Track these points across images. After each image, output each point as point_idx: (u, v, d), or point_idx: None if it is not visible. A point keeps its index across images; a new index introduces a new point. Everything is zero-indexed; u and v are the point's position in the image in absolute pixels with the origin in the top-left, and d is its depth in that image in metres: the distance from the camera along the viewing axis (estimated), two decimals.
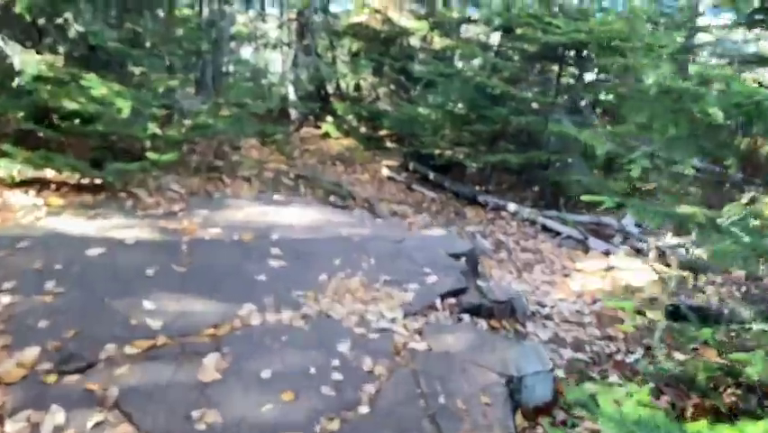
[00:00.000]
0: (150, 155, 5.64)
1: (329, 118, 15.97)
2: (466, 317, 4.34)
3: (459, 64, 15.30)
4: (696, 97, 3.37)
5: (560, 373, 3.99)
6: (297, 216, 5.75)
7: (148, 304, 3.84)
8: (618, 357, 4.45)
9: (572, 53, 10.65)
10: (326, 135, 15.74)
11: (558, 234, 9.30)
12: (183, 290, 4.07)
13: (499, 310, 4.61)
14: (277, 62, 19.25)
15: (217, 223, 5.27)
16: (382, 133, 15.63)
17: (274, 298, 4.10)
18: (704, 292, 5.91)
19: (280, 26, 18.43)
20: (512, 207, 10.22)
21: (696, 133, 3.26)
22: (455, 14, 14.42)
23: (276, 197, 6.63)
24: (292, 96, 15.68)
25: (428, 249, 5.15)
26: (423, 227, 6.79)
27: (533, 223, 9.71)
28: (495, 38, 13.13)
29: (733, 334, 3.96)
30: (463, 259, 5.11)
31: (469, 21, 12.86)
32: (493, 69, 11.08)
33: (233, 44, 16.23)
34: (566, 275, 6.85)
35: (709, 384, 3.44)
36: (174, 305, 3.88)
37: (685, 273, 6.65)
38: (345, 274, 4.56)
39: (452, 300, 4.40)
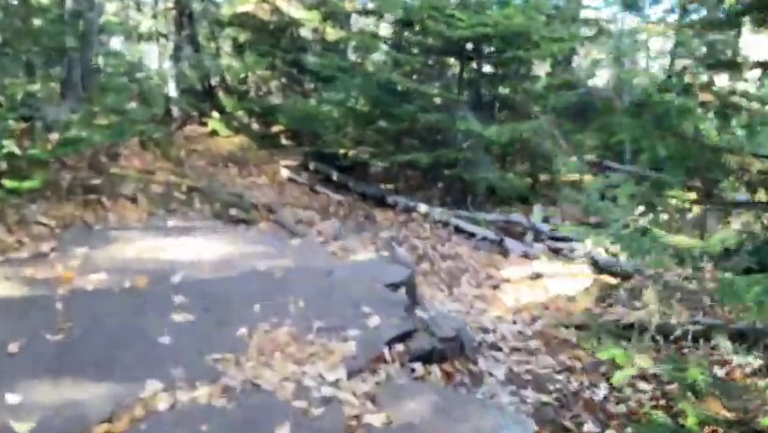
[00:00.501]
0: (7, 182, 4.47)
1: (215, 114, 14.75)
2: (418, 366, 3.66)
3: (352, 57, 14.58)
4: (682, 111, 2.89)
5: (532, 427, 3.42)
6: (201, 248, 4.81)
7: (11, 397, 2.83)
8: (585, 394, 3.97)
9: (474, 47, 10.25)
10: (214, 133, 14.50)
11: (472, 235, 8.89)
12: (61, 369, 3.08)
13: (450, 349, 3.98)
14: (152, 55, 17.56)
15: (101, 265, 4.23)
16: (276, 129, 14.63)
17: (184, 368, 3.21)
18: (638, 300, 5.63)
19: (155, 16, 16.82)
20: (423, 207, 9.70)
21: (687, 154, 2.77)
22: (348, 5, 13.63)
23: (171, 222, 5.61)
24: (173, 92, 14.28)
25: (362, 280, 4.42)
26: (344, 249, 6.02)
27: (446, 224, 9.23)
28: (387, 30, 12.55)
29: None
30: (402, 289, 4.42)
31: (363, 12, 12.09)
32: (395, 63, 10.44)
33: (102, 37, 14.53)
34: (495, 286, 6.39)
35: None
36: (49, 394, 2.90)
37: (613, 279, 6.39)
38: (270, 324, 3.73)
39: (401, 347, 3.70)
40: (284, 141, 14.32)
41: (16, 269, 4.00)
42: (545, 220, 9.88)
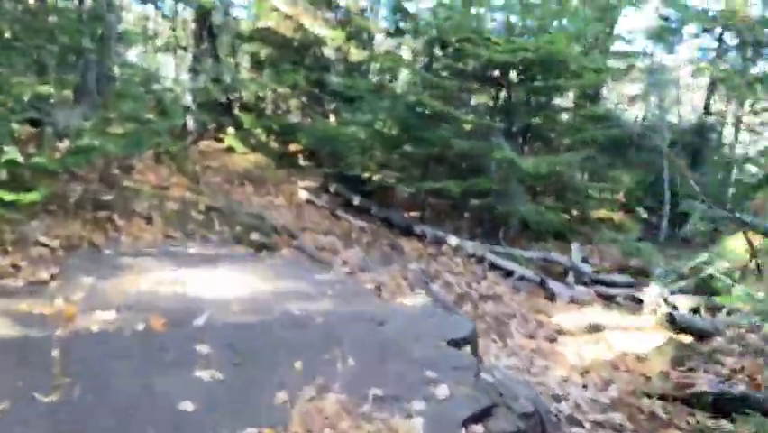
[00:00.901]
0: (4, 194, 3.75)
1: (232, 130, 14.11)
2: None
3: (374, 78, 13.98)
4: None
5: None
6: (227, 283, 4.06)
7: None
8: None
9: (511, 72, 9.61)
10: (230, 150, 13.84)
11: (509, 273, 8.14)
12: None
13: (531, 429, 3.21)
14: (169, 67, 16.98)
15: (110, 300, 3.48)
16: (293, 148, 13.95)
17: None
18: (722, 364, 4.85)
19: (174, 27, 16.28)
20: (454, 240, 8.96)
21: None
22: (372, 25, 13.04)
23: (191, 248, 4.87)
24: (189, 103, 13.65)
25: (419, 334, 3.66)
26: (382, 287, 5.26)
27: (480, 260, 8.49)
28: (410, 53, 11.93)
29: None
30: (467, 348, 3.66)
31: (391, 33, 11.46)
32: (425, 86, 9.77)
33: (120, 47, 13.98)
34: (552, 340, 5.60)
35: None
36: None
37: (686, 337, 5.62)
38: (315, 388, 2.97)
39: (479, 429, 2.93)
40: (302, 161, 13.64)
41: (8, 300, 3.25)
42: (584, 260, 9.13)
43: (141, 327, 3.22)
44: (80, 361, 2.85)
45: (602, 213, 11.42)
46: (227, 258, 4.72)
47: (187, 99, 13.57)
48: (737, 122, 12.33)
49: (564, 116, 9.69)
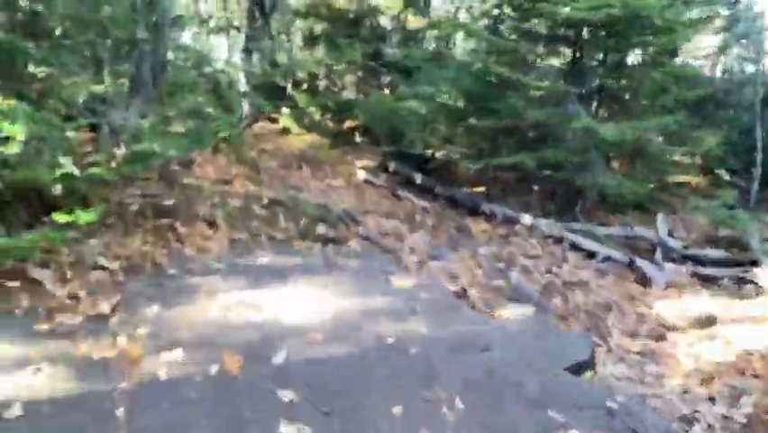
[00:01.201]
0: (60, 216, 3.34)
1: (286, 111, 13.65)
2: None
3: (430, 47, 13.18)
4: None
5: None
6: (304, 302, 3.57)
7: None
8: None
9: (590, 31, 8.69)
10: (285, 131, 13.41)
11: (592, 254, 7.42)
12: None
13: None
14: (222, 48, 16.58)
15: (177, 334, 3.03)
16: (348, 125, 13.39)
17: None
18: None
19: (225, 7, 15.83)
20: (527, 218, 8.26)
21: None
22: None
23: (260, 257, 4.40)
24: (244, 86, 13.25)
25: (531, 361, 3.09)
26: (482, 299, 4.68)
27: (557, 240, 7.79)
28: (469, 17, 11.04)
29: None
30: (588, 374, 3.07)
31: None
32: (496, 52, 8.96)
33: (174, 31, 13.65)
34: (658, 338, 4.92)
35: None
36: None
37: None
38: None
39: None
40: (358, 138, 13.06)
41: (65, 343, 2.85)
42: (670, 233, 8.29)
43: (214, 369, 2.76)
44: (148, 422, 2.40)
45: (683, 178, 10.45)
46: (299, 269, 4.22)
47: (241, 81, 13.18)
48: None
49: (643, 76, 8.68)
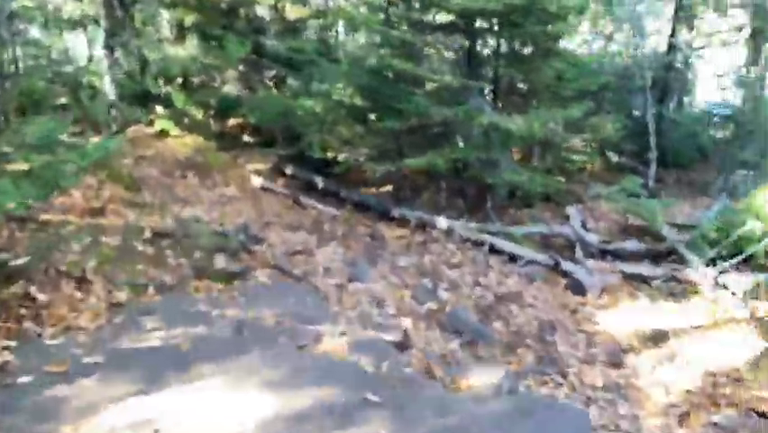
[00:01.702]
0: None
1: (161, 111, 12.15)
2: None
3: (312, 37, 12.18)
4: None
5: None
6: (216, 413, 2.61)
7: None
8: None
9: (485, 21, 8.17)
10: (163, 134, 11.90)
11: (513, 258, 6.95)
12: None
13: None
14: (79, 45, 14.52)
15: None
16: (233, 124, 12.15)
17: None
18: None
19: None
20: (443, 222, 7.68)
21: None
22: None
23: (155, 333, 3.34)
24: (108, 87, 11.57)
25: None
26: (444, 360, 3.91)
27: (476, 243, 7.26)
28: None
29: None
30: None
31: None
32: (388, 45, 8.19)
33: (17, 25, 11.63)
34: (616, 364, 4.44)
35: None
36: None
37: None
38: None
39: None
40: (246, 138, 11.85)
41: None
42: (583, 225, 8.04)
43: None
44: None
45: (580, 163, 10.34)
46: (202, 347, 3.21)
47: (105, 81, 11.50)
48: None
49: (540, 66, 8.30)
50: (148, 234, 5.30)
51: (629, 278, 6.26)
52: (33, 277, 3.65)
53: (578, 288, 5.86)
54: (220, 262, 5.42)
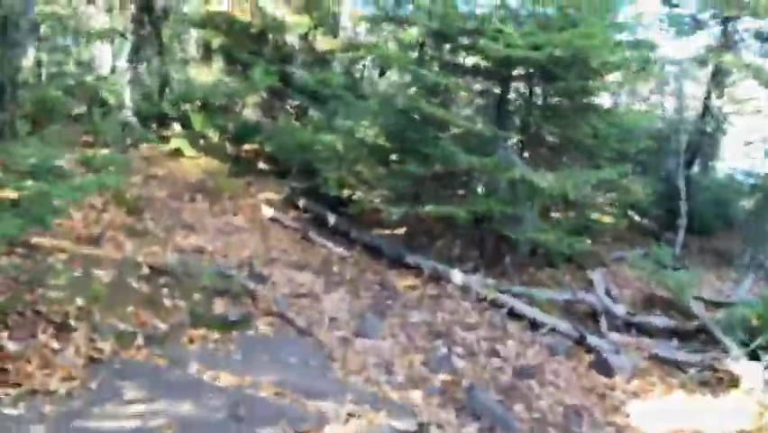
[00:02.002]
0: None
1: (178, 129, 11.84)
2: None
3: (339, 70, 11.87)
4: None
5: None
6: None
7: None
8: None
9: (522, 70, 7.80)
10: (177, 152, 11.56)
11: (534, 324, 6.43)
12: None
13: None
14: (104, 56, 14.34)
15: None
16: (248, 148, 11.80)
17: None
18: None
19: (110, 9, 13.65)
20: (458, 276, 7.20)
21: None
22: (346, 10, 10.94)
23: (133, 407, 2.85)
24: (129, 100, 11.31)
25: None
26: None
27: (493, 303, 6.75)
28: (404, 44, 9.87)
29: None
30: None
31: (381, 19, 9.34)
32: (421, 86, 7.80)
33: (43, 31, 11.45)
34: None
35: None
36: None
37: None
38: None
39: None
40: (261, 165, 11.47)
41: None
42: (607, 293, 7.54)
43: None
44: None
45: (606, 224, 9.80)
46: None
47: (126, 94, 11.24)
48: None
49: (579, 121, 7.88)
50: (145, 269, 4.85)
51: (660, 360, 5.72)
52: (8, 319, 3.18)
53: (605, 368, 5.32)
54: (219, 306, 4.96)
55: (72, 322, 3.41)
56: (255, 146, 11.30)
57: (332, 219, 8.75)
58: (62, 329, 3.34)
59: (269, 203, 9.47)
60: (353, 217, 8.74)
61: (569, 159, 8.30)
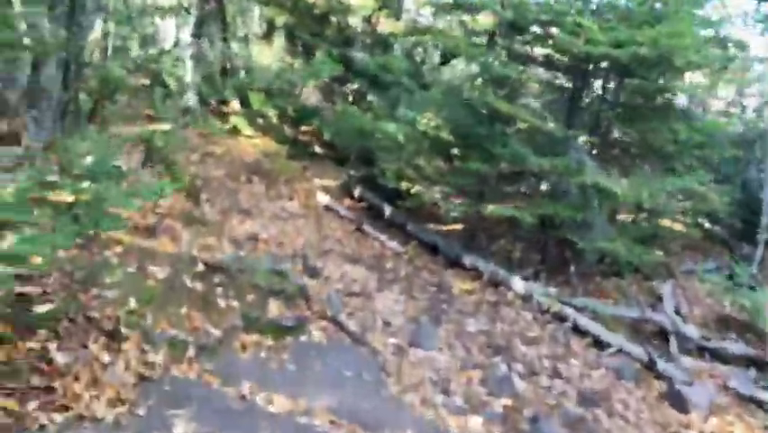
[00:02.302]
0: None
1: (237, 108, 11.72)
2: None
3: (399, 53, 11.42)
4: None
5: None
6: None
7: None
8: None
9: (607, 68, 7.23)
10: (235, 131, 11.46)
11: (598, 341, 6.00)
12: None
13: None
14: (168, 31, 14.26)
15: None
16: (306, 130, 11.56)
17: None
18: None
19: None
20: (519, 285, 6.79)
21: None
22: None
23: (185, 426, 2.64)
24: (190, 76, 11.21)
25: None
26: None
27: (556, 316, 6.33)
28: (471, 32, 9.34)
29: None
30: None
31: (450, 7, 8.82)
32: (489, 78, 7.33)
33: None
34: None
35: None
36: None
37: None
38: None
39: None
40: (318, 149, 11.23)
41: None
42: (677, 311, 7.00)
43: None
44: None
45: (679, 234, 9.13)
46: None
47: (188, 69, 11.14)
48: None
49: (661, 125, 7.26)
50: (200, 266, 4.66)
51: (739, 396, 5.22)
52: (59, 327, 3.00)
53: (678, 400, 4.86)
54: (274, 308, 4.73)
55: (123, 330, 3.21)
56: (313, 129, 11.06)
57: (387, 211, 8.45)
58: (113, 337, 3.15)
59: (325, 189, 9.25)
60: (410, 210, 8.40)
61: (642, 162, 7.71)
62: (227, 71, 10.41)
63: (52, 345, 2.85)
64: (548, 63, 7.75)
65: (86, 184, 2.91)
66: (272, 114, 11.33)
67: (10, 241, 2.43)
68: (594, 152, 7.83)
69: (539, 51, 8.00)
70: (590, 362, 5.60)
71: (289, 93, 10.91)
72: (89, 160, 3.03)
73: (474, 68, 8.23)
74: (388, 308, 6.18)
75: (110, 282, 3.72)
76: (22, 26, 4.15)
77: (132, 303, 3.61)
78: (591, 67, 7.39)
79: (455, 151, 7.60)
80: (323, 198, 8.84)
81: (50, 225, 2.71)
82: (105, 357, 2.96)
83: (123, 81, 7.85)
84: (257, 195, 8.80)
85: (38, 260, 2.49)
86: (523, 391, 4.76)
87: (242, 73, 10.31)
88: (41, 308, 2.98)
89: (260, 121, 11.49)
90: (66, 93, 5.46)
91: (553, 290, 6.72)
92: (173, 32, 13.81)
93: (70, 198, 2.83)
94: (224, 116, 11.68)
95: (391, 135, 7.75)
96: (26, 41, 4.03)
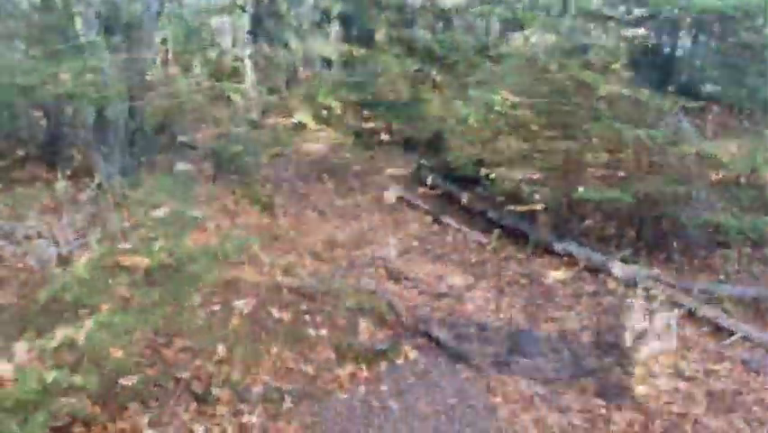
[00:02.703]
0: None
1: (299, 101, 11.50)
2: None
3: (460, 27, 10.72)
4: None
5: None
6: None
7: None
8: None
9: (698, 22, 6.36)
10: (300, 126, 11.26)
11: (717, 327, 5.32)
12: None
13: None
14: (223, 30, 14.11)
15: None
16: (370, 117, 11.14)
17: None
18: None
19: None
20: (618, 268, 6.15)
21: None
22: None
23: None
24: (250, 74, 11.09)
25: None
26: None
27: (666, 302, 5.67)
28: None
29: None
30: None
31: None
32: (564, 49, 6.61)
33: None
34: None
35: None
36: None
37: None
38: None
39: None
40: (384, 136, 10.78)
41: None
42: None
43: None
44: None
45: None
46: None
47: (248, 68, 11.01)
48: None
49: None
50: (286, 293, 4.37)
51: None
52: (145, 393, 2.76)
53: None
54: (364, 330, 4.39)
55: (214, 390, 2.93)
56: (380, 118, 10.64)
57: (464, 198, 7.93)
58: (205, 401, 2.87)
59: (396, 180, 8.87)
60: (488, 197, 7.84)
61: (750, 122, 6.81)
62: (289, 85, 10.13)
63: (143, 420, 2.59)
64: (631, 21, 6.92)
65: (159, 244, 2.60)
66: (336, 105, 10.98)
67: (87, 327, 2.15)
68: (687, 115, 7.00)
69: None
70: (711, 353, 4.96)
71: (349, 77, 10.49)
72: (160, 213, 2.73)
73: (549, 37, 7.46)
74: (480, 309, 5.74)
75: (193, 328, 3.46)
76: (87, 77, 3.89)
77: (220, 350, 3.34)
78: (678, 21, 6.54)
79: (536, 128, 6.95)
80: (394, 190, 8.47)
81: (126, 297, 2.43)
82: (199, 429, 2.69)
83: (190, 98, 7.70)
84: (328, 192, 8.57)
85: (118, 353, 2.20)
86: (644, 398, 4.23)
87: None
88: (128, 381, 2.73)
89: (325, 113, 11.20)
90: (132, 121, 5.29)
91: (655, 271, 6.05)
92: (229, 31, 13.67)
93: (145, 262, 2.54)
94: (287, 111, 11.48)
95: (463, 118, 7.19)
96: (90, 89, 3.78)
